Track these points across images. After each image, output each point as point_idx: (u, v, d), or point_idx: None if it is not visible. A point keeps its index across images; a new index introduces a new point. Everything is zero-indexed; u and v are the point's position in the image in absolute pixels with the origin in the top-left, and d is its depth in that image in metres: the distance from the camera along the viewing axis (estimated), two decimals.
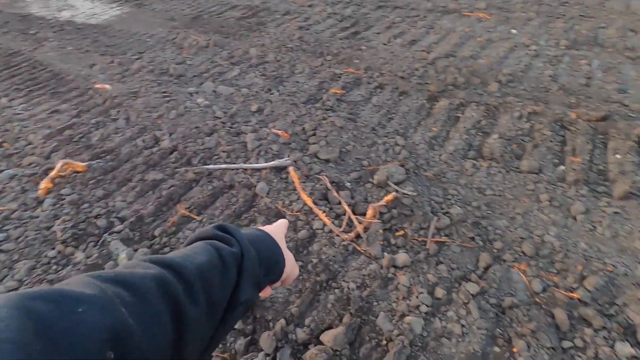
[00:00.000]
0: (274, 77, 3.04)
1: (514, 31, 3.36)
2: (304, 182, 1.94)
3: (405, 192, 1.81)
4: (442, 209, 1.76)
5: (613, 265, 1.45)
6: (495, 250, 1.56)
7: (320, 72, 3.02)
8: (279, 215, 1.81)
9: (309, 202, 1.81)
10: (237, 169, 2.09)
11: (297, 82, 2.93)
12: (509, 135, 2.17)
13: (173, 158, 2.26)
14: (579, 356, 1.21)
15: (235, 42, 3.73)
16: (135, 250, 1.71)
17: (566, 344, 1.24)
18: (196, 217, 1.86)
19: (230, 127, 2.45)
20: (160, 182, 2.09)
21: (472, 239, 1.60)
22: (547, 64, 2.81)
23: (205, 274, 0.43)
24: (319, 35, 3.67)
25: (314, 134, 2.28)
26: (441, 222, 1.66)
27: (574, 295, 1.35)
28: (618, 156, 1.96)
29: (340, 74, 2.95)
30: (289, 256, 0.60)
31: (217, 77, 3.16)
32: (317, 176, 1.96)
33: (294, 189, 1.91)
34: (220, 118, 2.54)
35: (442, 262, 1.52)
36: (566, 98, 2.42)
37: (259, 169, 2.06)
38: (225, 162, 2.16)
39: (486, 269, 1.49)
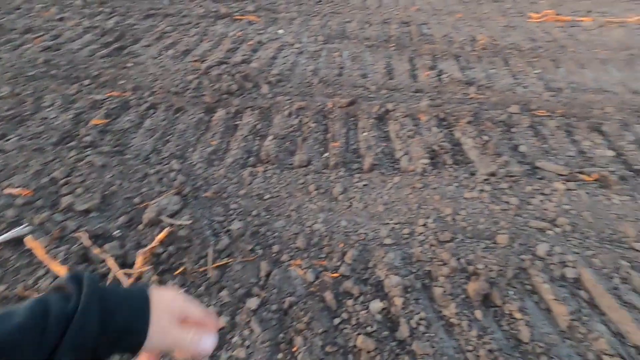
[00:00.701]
0: (11, 117, 2.40)
1: (280, 31, 3.61)
2: (55, 247, 1.58)
3: (181, 222, 1.69)
4: (224, 227, 1.72)
5: (365, 234, 1.70)
6: (274, 255, 1.61)
7: (76, 101, 2.55)
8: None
9: (63, 272, 1.48)
10: None
11: (45, 118, 2.39)
12: (282, 134, 2.31)
13: None
14: (346, 328, 1.36)
15: None
16: None
17: (336, 321, 1.38)
18: None
19: None
20: None
21: (252, 250, 1.62)
22: (309, 60, 3.12)
23: (9, 341, 0.40)
24: (74, 56, 3.10)
25: (67, 182, 1.89)
26: (221, 244, 1.62)
27: (337, 274, 1.52)
28: (365, 134, 2.32)
29: (103, 99, 2.56)
30: (162, 327, 0.50)
31: None
32: (74, 235, 1.63)
33: (41, 262, 1.53)
34: None
35: (224, 287, 1.48)
36: (325, 89, 2.74)
37: None
38: None
39: (267, 276, 1.53)
